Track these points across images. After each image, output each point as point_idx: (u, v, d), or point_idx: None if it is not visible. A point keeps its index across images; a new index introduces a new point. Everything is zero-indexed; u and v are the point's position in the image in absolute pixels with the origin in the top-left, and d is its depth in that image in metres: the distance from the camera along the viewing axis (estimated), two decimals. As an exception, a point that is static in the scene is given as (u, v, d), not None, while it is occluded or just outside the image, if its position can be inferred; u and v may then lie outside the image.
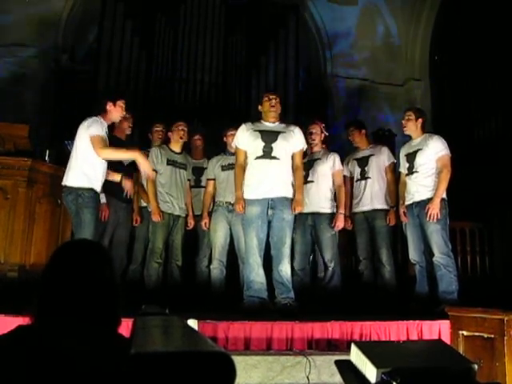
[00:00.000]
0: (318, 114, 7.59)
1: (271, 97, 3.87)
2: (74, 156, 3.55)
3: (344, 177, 4.56)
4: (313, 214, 4.23)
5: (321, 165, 4.32)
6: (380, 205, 4.40)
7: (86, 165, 3.49)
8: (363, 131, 4.63)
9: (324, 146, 4.52)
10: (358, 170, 4.53)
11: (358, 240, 4.50)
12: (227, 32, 7.88)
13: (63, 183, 3.52)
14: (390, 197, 4.41)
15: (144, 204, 4.45)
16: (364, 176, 4.47)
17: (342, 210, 4.26)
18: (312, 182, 4.27)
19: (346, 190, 4.52)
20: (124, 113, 3.76)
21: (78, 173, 3.48)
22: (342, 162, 4.55)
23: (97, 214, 3.57)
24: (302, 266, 4.27)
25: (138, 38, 7.61)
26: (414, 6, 7.99)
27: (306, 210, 4.00)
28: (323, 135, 4.48)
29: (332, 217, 4.25)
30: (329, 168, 4.33)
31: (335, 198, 4.36)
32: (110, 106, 3.65)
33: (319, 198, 4.25)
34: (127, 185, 3.82)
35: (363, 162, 4.51)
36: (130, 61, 7.53)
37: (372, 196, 4.41)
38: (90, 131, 3.48)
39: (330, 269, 4.20)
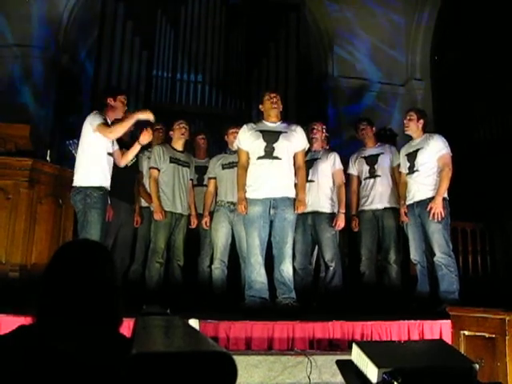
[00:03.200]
0: (319, 114, 7.63)
1: (272, 95, 3.86)
2: (80, 155, 3.56)
3: (350, 175, 4.59)
4: (313, 213, 4.22)
5: (321, 164, 4.32)
6: (390, 203, 4.39)
7: (92, 161, 3.50)
8: (374, 129, 4.64)
9: (323, 145, 4.54)
10: (366, 168, 4.51)
11: (364, 239, 4.47)
12: (228, 32, 7.88)
13: (73, 184, 3.53)
14: (399, 197, 4.40)
15: (145, 204, 4.46)
16: (373, 174, 4.46)
17: (342, 210, 4.26)
18: (313, 181, 4.27)
19: (353, 188, 4.56)
20: (125, 108, 3.76)
21: (84, 171, 3.49)
22: (347, 160, 4.59)
23: (104, 215, 3.57)
24: (303, 266, 4.27)
25: (138, 39, 7.62)
26: (415, 6, 7.99)
27: (306, 210, 4.00)
28: (324, 135, 4.50)
29: (332, 216, 4.25)
30: (329, 167, 4.33)
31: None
32: (110, 101, 3.65)
33: (320, 197, 4.25)
34: (146, 137, 3.79)
35: (372, 160, 4.49)
36: (130, 61, 7.53)
37: (382, 194, 4.40)
38: (93, 124, 3.49)
39: (331, 268, 4.19)
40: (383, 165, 4.45)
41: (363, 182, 4.53)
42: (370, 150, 4.56)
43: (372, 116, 5.45)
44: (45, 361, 1.09)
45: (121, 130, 3.61)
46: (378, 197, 4.41)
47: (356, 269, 4.54)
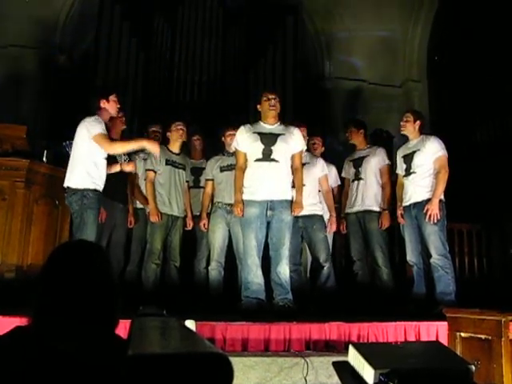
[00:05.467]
0: (316, 115, 7.63)
1: (270, 96, 3.81)
2: (75, 156, 3.54)
3: (342, 178, 4.63)
4: (304, 216, 4.13)
5: (310, 169, 4.30)
6: (372, 206, 4.40)
7: (89, 164, 3.48)
8: (361, 131, 4.62)
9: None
10: (352, 171, 4.55)
11: (351, 241, 4.52)
12: (225, 33, 7.87)
13: (66, 185, 3.51)
14: (383, 199, 4.41)
15: (140, 206, 4.45)
16: (357, 177, 4.48)
17: (333, 213, 4.35)
18: (303, 185, 4.24)
19: (344, 190, 4.60)
20: (119, 106, 3.75)
21: (81, 173, 3.47)
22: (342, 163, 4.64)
23: (98, 216, 3.57)
24: (294, 268, 4.25)
25: (135, 39, 7.60)
26: (412, 7, 8.01)
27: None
28: (306, 138, 4.51)
29: (323, 218, 4.29)
30: (318, 172, 4.37)
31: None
32: (103, 103, 3.64)
33: (309, 200, 4.19)
34: (129, 167, 3.97)
35: (358, 163, 4.52)
36: (127, 62, 7.52)
37: (363, 197, 4.41)
38: (92, 131, 3.46)
39: (326, 268, 4.18)
40: (367, 167, 4.46)
41: (350, 184, 4.56)
42: (359, 153, 4.60)
43: (368, 117, 5.47)
44: (45, 361, 1.09)
45: (120, 150, 3.75)
46: (359, 199, 4.43)
47: (351, 270, 4.56)
